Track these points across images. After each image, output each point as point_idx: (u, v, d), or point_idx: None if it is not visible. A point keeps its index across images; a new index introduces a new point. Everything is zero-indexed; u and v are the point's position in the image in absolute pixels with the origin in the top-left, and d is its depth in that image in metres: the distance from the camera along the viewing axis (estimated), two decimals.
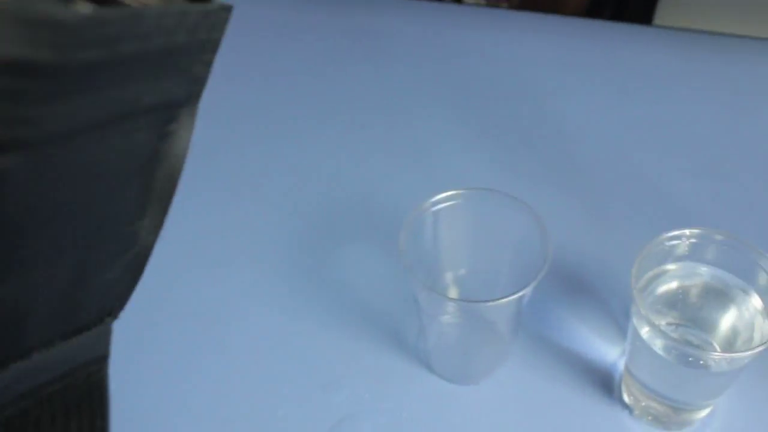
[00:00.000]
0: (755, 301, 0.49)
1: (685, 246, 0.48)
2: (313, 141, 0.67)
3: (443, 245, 0.51)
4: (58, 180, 0.19)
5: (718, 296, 0.51)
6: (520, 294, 0.45)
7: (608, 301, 0.58)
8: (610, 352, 0.55)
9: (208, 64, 0.21)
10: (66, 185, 0.19)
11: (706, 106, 0.68)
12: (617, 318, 0.57)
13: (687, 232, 0.48)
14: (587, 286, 0.59)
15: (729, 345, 0.50)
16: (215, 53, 0.21)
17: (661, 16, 0.79)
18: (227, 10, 0.20)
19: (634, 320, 0.48)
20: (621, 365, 0.55)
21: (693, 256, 0.49)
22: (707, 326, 0.50)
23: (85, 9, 0.16)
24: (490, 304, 0.45)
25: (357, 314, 0.57)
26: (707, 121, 0.67)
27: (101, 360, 0.26)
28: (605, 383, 0.54)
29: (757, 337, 0.48)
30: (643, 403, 0.51)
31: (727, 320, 0.51)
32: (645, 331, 0.47)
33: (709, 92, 0.69)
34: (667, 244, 0.48)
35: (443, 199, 0.50)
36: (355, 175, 0.65)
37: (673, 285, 0.52)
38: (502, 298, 0.45)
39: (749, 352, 0.43)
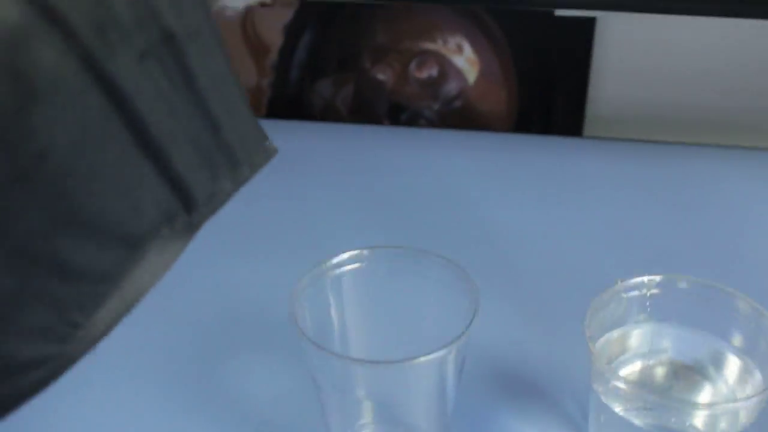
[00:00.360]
0: (732, 368, 0.39)
1: (645, 300, 0.40)
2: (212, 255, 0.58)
3: (348, 313, 0.41)
4: None
5: (688, 375, 0.42)
6: (442, 352, 0.35)
7: (561, 401, 0.47)
8: None
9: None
10: None
11: (646, 210, 0.63)
12: (575, 419, 0.46)
13: (646, 279, 0.39)
14: (534, 388, 0.49)
15: (712, 428, 0.39)
16: None
17: (589, 130, 0.76)
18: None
19: (602, 399, 0.37)
20: None
21: (655, 314, 0.40)
22: (684, 409, 0.40)
23: None
24: (405, 363, 0.34)
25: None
26: (647, 220, 0.62)
27: None
28: None
29: (743, 416, 0.38)
30: None
31: (704, 400, 0.41)
32: (619, 409, 0.37)
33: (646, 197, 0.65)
34: (624, 296, 0.39)
35: (346, 260, 0.41)
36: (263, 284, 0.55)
37: (637, 367, 0.43)
38: (420, 357, 0.34)
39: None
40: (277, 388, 0.48)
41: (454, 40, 0.81)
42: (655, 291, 0.39)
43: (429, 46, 0.82)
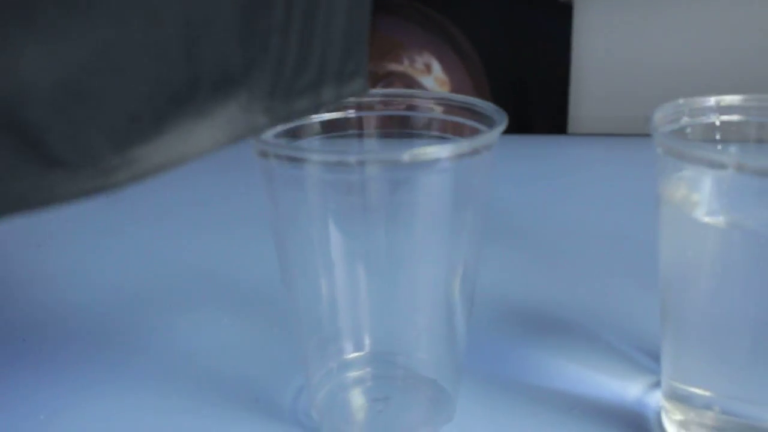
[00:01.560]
0: None
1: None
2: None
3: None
4: None
5: None
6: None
7: (600, 334, 0.37)
8: (629, 389, 0.34)
9: None
10: None
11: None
12: (621, 349, 0.36)
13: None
14: (566, 326, 0.39)
15: None
16: None
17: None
18: None
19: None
20: (651, 399, 0.33)
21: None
22: None
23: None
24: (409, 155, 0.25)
25: (206, 386, 0.34)
26: None
27: None
28: (636, 429, 0.31)
29: None
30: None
31: None
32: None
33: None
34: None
35: None
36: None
37: None
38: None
39: None
40: (230, 340, 0.37)
41: (421, 59, 0.76)
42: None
43: (394, 67, 0.76)
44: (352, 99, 0.32)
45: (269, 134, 0.29)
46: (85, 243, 0.50)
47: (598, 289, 0.42)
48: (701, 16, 0.67)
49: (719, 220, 0.28)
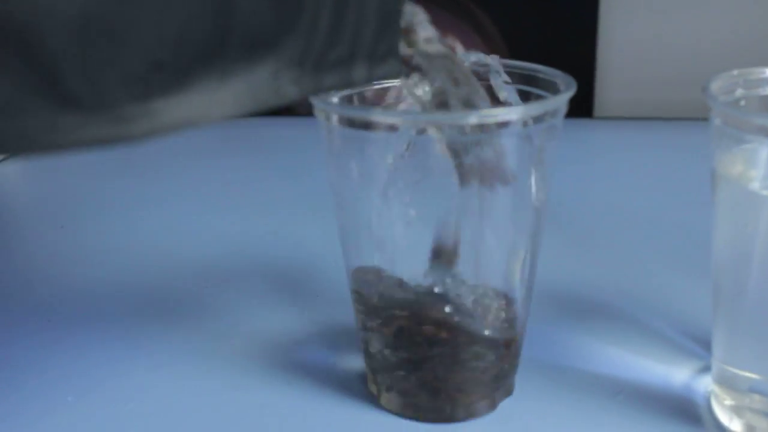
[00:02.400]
0: None
1: None
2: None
3: None
4: None
5: None
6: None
7: (642, 319, 0.36)
8: (676, 374, 0.32)
9: None
10: None
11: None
12: (665, 334, 0.35)
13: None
14: (608, 310, 0.37)
15: None
16: None
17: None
18: None
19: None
20: (699, 384, 0.32)
21: None
22: None
23: None
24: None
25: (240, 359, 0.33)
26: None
27: None
28: (684, 414, 0.30)
29: None
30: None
31: None
32: None
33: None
34: None
35: None
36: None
37: None
38: None
39: None
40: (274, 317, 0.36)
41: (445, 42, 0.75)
42: None
43: None
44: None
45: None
46: (107, 222, 0.49)
47: (637, 273, 0.41)
48: None
49: None
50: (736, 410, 0.29)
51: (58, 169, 0.59)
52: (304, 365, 0.34)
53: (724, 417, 0.29)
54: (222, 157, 0.61)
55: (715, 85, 0.28)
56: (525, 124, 0.26)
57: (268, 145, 0.63)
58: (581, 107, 0.67)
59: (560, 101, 0.27)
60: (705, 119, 0.28)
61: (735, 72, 0.29)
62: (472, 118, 0.25)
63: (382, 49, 0.26)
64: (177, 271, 0.42)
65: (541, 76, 0.30)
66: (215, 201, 0.52)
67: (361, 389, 0.32)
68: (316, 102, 0.27)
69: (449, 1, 0.73)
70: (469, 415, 0.30)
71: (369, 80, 0.26)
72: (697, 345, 0.34)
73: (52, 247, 0.46)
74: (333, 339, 0.35)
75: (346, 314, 0.32)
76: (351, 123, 0.27)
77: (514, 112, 0.26)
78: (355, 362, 0.33)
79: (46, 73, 0.18)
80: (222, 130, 0.67)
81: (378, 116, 0.26)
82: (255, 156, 0.61)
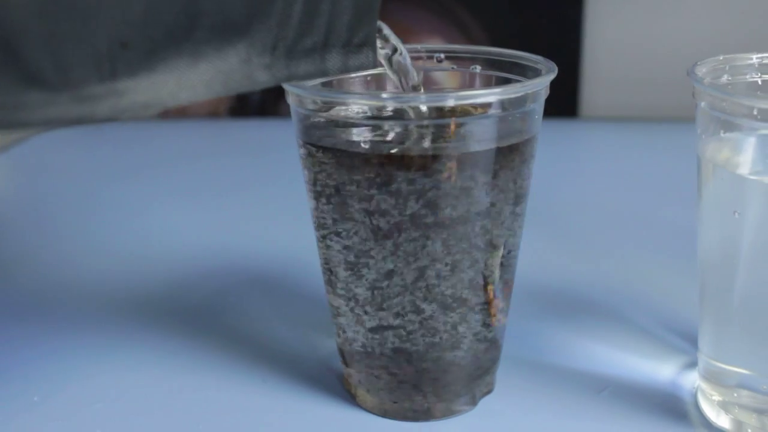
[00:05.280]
0: None
1: None
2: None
3: None
4: None
5: None
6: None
7: (628, 315, 0.35)
8: (662, 369, 0.32)
9: None
10: None
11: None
12: (651, 330, 0.34)
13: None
14: (594, 307, 0.37)
15: None
16: None
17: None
18: None
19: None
20: (686, 379, 0.31)
21: None
22: None
23: None
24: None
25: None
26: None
27: None
28: (671, 410, 0.29)
29: None
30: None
31: None
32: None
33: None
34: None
35: None
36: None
37: None
38: None
39: None
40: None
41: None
42: None
43: None
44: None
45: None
46: (82, 223, 0.48)
47: (623, 269, 0.40)
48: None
49: (765, 179, 0.26)
50: (724, 406, 0.28)
51: (41, 168, 0.58)
52: (280, 364, 0.32)
53: (711, 413, 0.29)
54: (206, 158, 0.60)
55: (701, 70, 0.27)
56: (504, 108, 0.25)
57: (255, 147, 0.62)
58: (567, 107, 0.67)
59: (540, 84, 0.26)
60: (691, 120, 0.27)
61: (721, 57, 0.28)
62: (450, 101, 0.24)
63: (357, 39, 0.25)
64: (150, 270, 0.41)
65: (523, 63, 0.29)
66: (198, 200, 0.51)
67: (339, 389, 0.31)
68: (286, 86, 0.26)
69: (435, 3, 0.72)
70: (449, 412, 0.29)
71: (344, 70, 0.25)
72: (683, 340, 0.33)
73: (25, 248, 0.45)
74: (310, 338, 0.34)
75: (325, 312, 0.31)
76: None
77: (493, 95, 0.25)
78: (333, 362, 0.32)
79: (9, 49, 0.18)
80: (210, 130, 0.67)
81: (354, 98, 0.25)
82: (240, 158, 0.60)
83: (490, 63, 0.30)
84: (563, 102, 0.67)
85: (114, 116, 0.20)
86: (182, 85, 0.21)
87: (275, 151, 0.61)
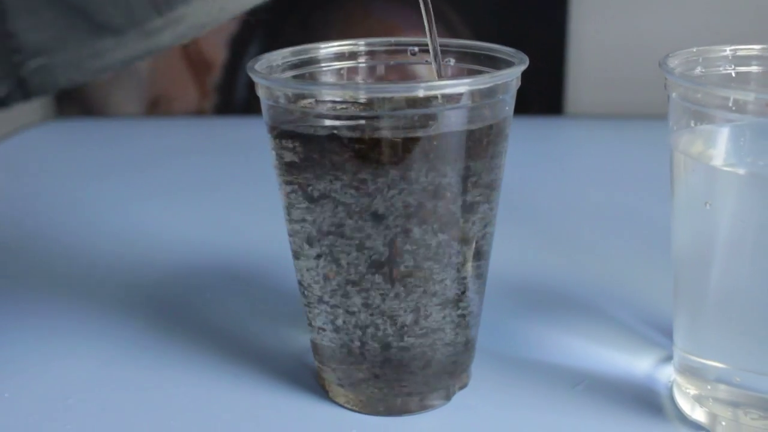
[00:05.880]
0: None
1: None
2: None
3: None
4: None
5: None
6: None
7: (606, 310, 0.35)
8: (638, 363, 0.31)
9: None
10: None
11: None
12: (628, 324, 0.34)
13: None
14: (572, 302, 0.36)
15: None
16: None
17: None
18: None
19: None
20: (662, 373, 0.31)
21: None
22: None
23: None
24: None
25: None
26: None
27: None
28: (646, 404, 0.29)
29: None
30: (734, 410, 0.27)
31: None
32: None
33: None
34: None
35: None
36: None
37: None
38: None
39: None
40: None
41: None
42: None
43: None
44: (362, 48, 0.30)
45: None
46: (63, 220, 0.47)
47: (601, 265, 0.40)
48: None
49: (739, 170, 0.26)
50: (699, 399, 0.28)
51: (25, 164, 0.58)
52: (254, 360, 0.32)
53: (686, 406, 0.28)
54: (192, 155, 0.60)
55: (673, 62, 0.27)
56: (474, 99, 0.25)
57: (240, 144, 0.62)
58: (552, 105, 0.67)
59: (510, 74, 0.26)
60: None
61: (694, 49, 0.28)
62: (420, 91, 0.24)
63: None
64: (129, 266, 0.41)
65: (497, 55, 0.29)
66: (181, 197, 0.51)
67: (313, 384, 0.31)
68: (257, 79, 0.26)
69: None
70: (423, 406, 0.29)
71: None
72: (660, 334, 0.33)
73: (4, 244, 0.45)
74: (286, 334, 0.34)
75: (299, 308, 0.31)
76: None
77: (462, 85, 0.25)
78: (307, 357, 0.32)
79: (78, 9, 0.21)
80: (195, 128, 0.66)
81: (327, 90, 0.25)
82: (225, 155, 0.60)
83: (464, 56, 0.30)
84: (548, 100, 0.67)
85: (176, 41, 0.23)
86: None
87: (259, 149, 0.60)
